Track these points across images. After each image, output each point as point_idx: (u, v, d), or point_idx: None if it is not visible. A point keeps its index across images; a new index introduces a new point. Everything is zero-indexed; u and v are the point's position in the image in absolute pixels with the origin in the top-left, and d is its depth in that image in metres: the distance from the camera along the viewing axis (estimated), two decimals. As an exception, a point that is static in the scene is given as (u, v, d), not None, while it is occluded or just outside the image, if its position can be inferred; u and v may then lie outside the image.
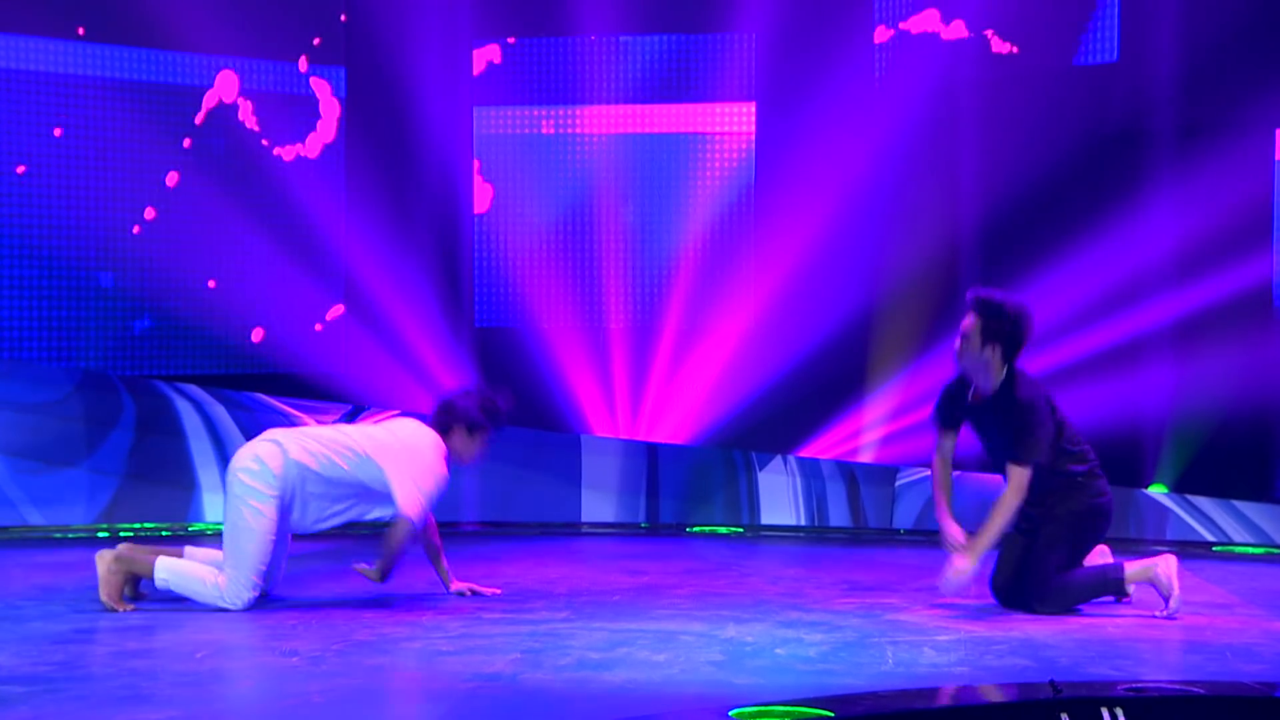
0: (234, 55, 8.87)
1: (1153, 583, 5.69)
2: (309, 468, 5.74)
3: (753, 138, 9.01)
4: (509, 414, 6.11)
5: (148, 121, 8.63)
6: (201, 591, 5.70)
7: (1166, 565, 5.70)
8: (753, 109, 9.05)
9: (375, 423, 6.31)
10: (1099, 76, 8.29)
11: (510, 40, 9.15)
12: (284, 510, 5.76)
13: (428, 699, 4.42)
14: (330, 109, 9.07)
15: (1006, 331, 5.73)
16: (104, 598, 5.65)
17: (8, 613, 5.64)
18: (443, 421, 5.94)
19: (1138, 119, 8.14)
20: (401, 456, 5.76)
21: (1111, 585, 5.77)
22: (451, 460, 5.92)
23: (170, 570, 5.72)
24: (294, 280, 8.95)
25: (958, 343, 5.80)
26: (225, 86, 8.84)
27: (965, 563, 5.68)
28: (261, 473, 5.72)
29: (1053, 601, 5.68)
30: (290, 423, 8.61)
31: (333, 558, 7.37)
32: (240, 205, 8.85)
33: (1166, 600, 5.64)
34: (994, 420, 5.78)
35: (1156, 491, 8.01)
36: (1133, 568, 5.76)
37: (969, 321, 5.77)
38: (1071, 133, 8.30)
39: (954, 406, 5.93)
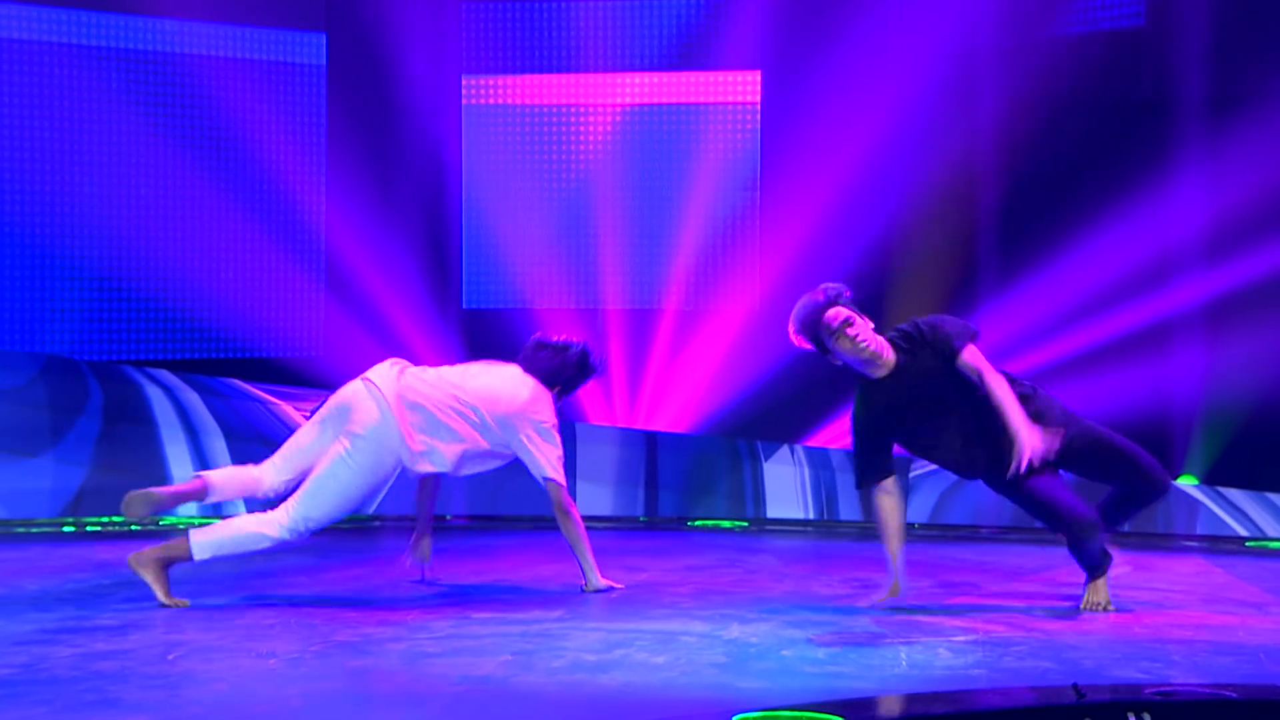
0: (209, 20, 8.84)
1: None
2: (416, 419, 5.90)
3: (758, 108, 8.98)
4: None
5: (117, 89, 8.60)
6: (253, 536, 5.85)
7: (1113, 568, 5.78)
8: (758, 78, 9.02)
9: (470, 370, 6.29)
10: (1124, 42, 8.26)
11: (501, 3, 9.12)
12: (382, 466, 5.90)
13: (412, 703, 4.40)
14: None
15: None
16: (163, 600, 5.74)
17: (-33, 612, 5.62)
18: (547, 373, 6.05)
19: (1165, 88, 8.10)
20: (522, 418, 5.98)
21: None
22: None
23: (209, 540, 5.82)
24: (272, 259, 8.93)
25: (844, 345, 5.63)
26: (202, 53, 8.80)
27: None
28: (361, 418, 5.91)
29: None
30: (266, 410, 8.59)
31: (313, 554, 7.35)
32: (215, 180, 8.83)
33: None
34: (933, 383, 5.71)
35: (1186, 483, 8.00)
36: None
37: (836, 313, 5.63)
38: (1095, 102, 8.27)
39: (885, 421, 5.75)
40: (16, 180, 8.40)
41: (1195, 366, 7.98)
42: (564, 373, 6.15)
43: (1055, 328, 8.17)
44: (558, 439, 6.10)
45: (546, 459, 6.06)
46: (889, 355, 5.67)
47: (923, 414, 5.71)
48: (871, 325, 5.69)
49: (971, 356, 5.65)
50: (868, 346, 5.62)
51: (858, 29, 8.65)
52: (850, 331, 5.61)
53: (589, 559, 6.16)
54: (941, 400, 5.70)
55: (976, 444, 5.70)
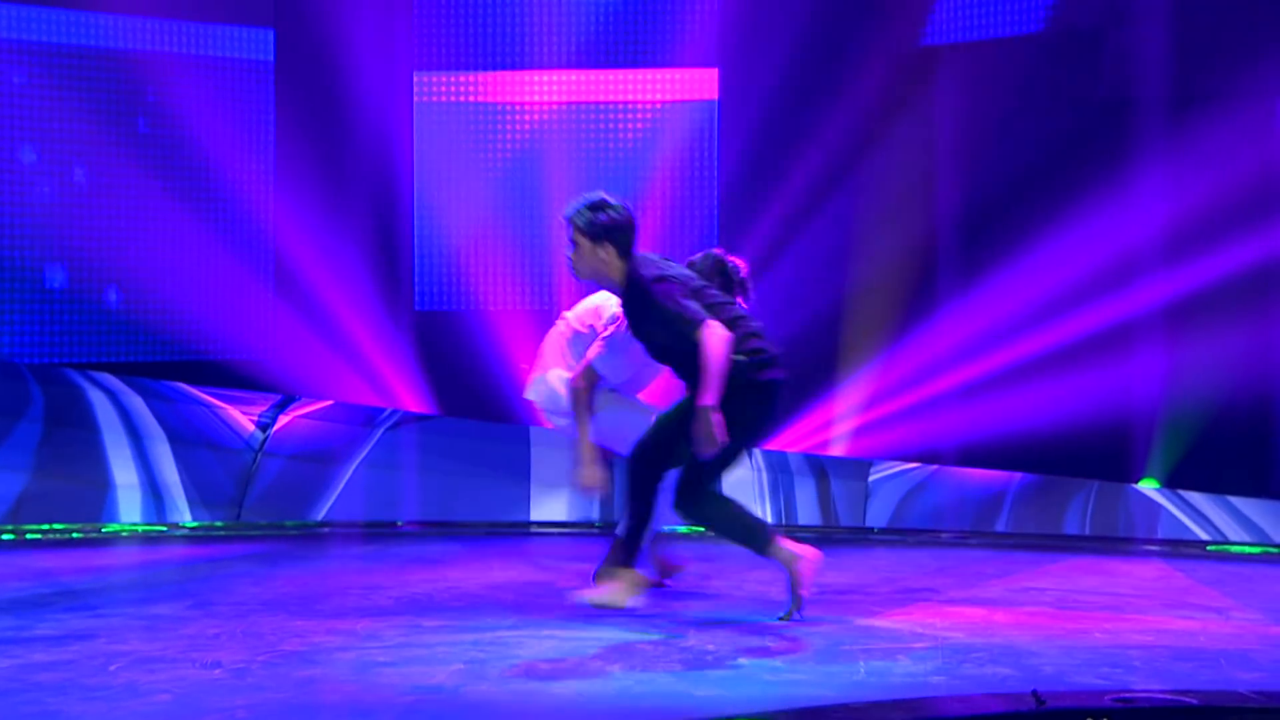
0: (155, 16, 8.78)
1: (788, 574, 5.70)
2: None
3: (716, 106, 8.99)
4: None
5: (59, 87, 8.54)
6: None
7: (809, 564, 5.71)
8: (715, 75, 9.03)
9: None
10: (1085, 41, 8.31)
11: None
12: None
13: (362, 714, 4.38)
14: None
15: (604, 224, 5.72)
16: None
17: (-97, 622, 5.56)
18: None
19: (1126, 86, 8.16)
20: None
21: (757, 539, 5.73)
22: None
23: None
24: (218, 259, 8.88)
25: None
26: (143, 49, 8.74)
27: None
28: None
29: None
30: (212, 414, 8.54)
31: (260, 561, 7.31)
32: (160, 177, 8.77)
33: (789, 602, 5.69)
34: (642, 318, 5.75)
35: (1147, 487, 8.05)
36: (785, 546, 5.71)
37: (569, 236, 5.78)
38: (1056, 102, 8.31)
39: None
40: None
41: (1156, 368, 8.03)
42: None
43: (1016, 329, 8.22)
44: None
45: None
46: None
47: None
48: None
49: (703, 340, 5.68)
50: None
51: (816, 25, 8.68)
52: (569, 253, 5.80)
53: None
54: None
55: None
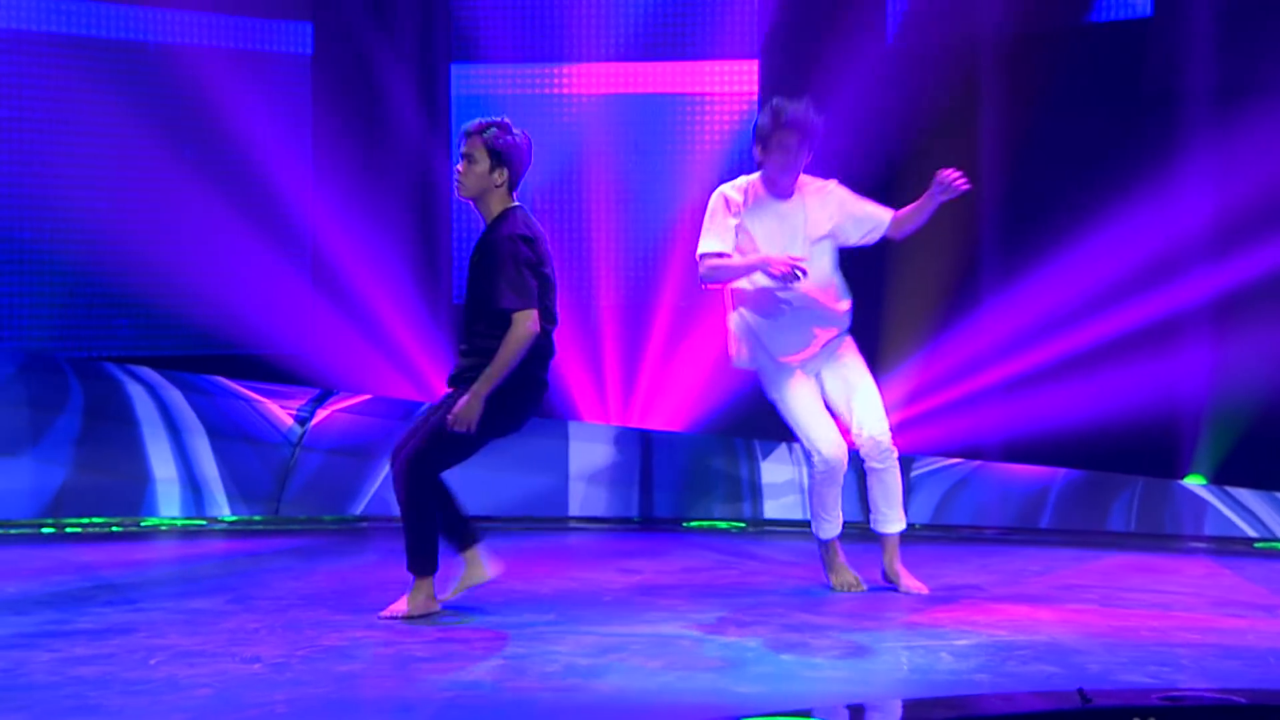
0: (193, 10, 8.82)
1: (464, 572, 5.68)
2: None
3: (755, 98, 8.97)
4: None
5: (98, 80, 8.58)
6: None
7: (476, 579, 5.69)
8: (755, 67, 9.01)
9: None
10: (1130, 32, 8.25)
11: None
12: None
13: (401, 709, 4.39)
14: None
15: (507, 145, 5.70)
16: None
17: (-56, 616, 5.61)
18: None
19: (1172, 78, 8.10)
20: None
21: (452, 538, 5.71)
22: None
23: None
24: (257, 253, 8.91)
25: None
26: (182, 42, 8.78)
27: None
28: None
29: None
30: (251, 408, 8.57)
31: (298, 555, 7.35)
32: (198, 172, 8.81)
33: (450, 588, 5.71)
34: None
35: (1194, 483, 8.00)
36: (479, 556, 5.69)
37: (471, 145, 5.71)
38: (1100, 94, 8.26)
39: None
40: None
41: (1203, 363, 7.97)
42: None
43: (1060, 323, 8.16)
44: None
45: None
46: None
47: None
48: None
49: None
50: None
51: (858, 17, 8.64)
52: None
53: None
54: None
55: None
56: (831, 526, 6.37)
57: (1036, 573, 6.84)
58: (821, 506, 6.36)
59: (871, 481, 6.36)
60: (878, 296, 8.45)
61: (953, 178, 6.02)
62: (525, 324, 5.50)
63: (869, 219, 6.29)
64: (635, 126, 9.11)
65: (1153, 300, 8.01)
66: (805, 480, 8.60)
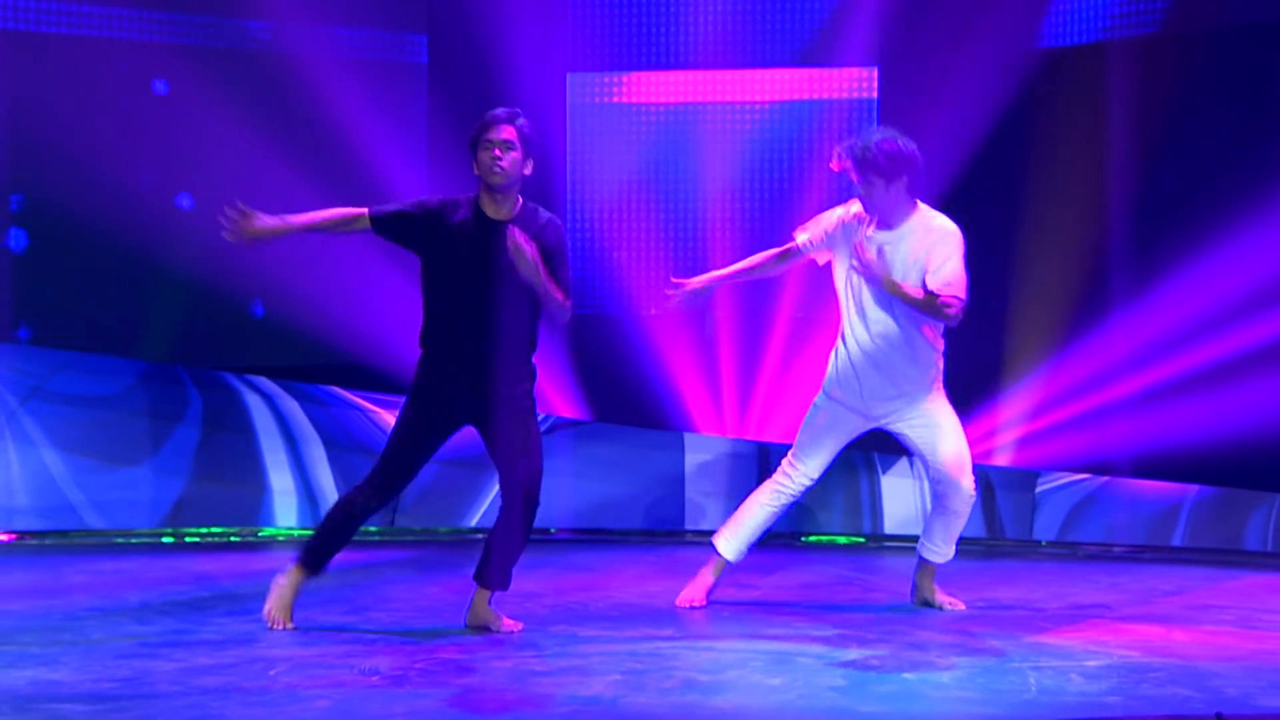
0: (311, 21, 8.93)
1: (287, 584, 5.65)
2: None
3: (875, 106, 8.91)
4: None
5: (219, 91, 8.71)
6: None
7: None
8: (875, 74, 8.95)
9: None
10: (1265, 35, 8.10)
11: None
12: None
13: (520, 724, 4.41)
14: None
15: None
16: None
17: (67, 625, 5.72)
18: None
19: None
20: None
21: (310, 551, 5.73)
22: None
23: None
24: (373, 263, 9.00)
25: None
26: (298, 53, 8.89)
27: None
28: None
29: None
30: (366, 418, 8.65)
31: (414, 567, 7.40)
32: (312, 183, 8.91)
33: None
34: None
35: (1332, 501, 7.82)
36: (302, 572, 5.69)
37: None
38: (1234, 97, 8.11)
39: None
40: (115, 185, 8.52)
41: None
42: None
43: (1192, 334, 8.01)
44: None
45: None
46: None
47: None
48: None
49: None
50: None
51: (978, 22, 8.56)
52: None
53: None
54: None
55: None
56: (736, 546, 6.25)
57: (1168, 592, 6.72)
58: (747, 522, 6.25)
59: (937, 514, 6.20)
60: (1003, 306, 8.35)
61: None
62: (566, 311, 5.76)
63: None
64: (753, 134, 9.08)
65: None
66: (926, 496, 8.52)
